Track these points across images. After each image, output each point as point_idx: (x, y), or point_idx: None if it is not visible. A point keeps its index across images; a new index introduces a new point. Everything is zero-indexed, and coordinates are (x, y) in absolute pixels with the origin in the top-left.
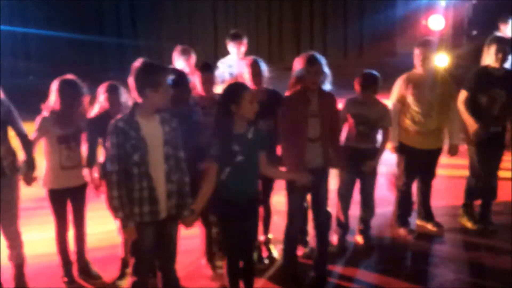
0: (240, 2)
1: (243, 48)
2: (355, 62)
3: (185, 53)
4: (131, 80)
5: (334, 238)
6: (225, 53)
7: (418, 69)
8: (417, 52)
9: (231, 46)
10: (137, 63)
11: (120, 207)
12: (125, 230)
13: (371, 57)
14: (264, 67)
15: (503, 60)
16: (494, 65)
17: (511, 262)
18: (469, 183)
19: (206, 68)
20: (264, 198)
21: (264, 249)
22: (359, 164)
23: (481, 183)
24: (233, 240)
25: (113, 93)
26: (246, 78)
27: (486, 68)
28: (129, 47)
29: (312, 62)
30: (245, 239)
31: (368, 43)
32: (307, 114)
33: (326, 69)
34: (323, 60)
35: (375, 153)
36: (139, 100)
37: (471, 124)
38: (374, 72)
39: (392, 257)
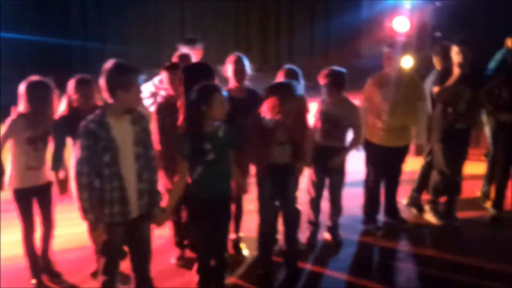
0: (207, 4)
1: (197, 56)
2: (321, 64)
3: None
4: (102, 81)
5: (305, 235)
6: None
7: (386, 70)
8: (384, 52)
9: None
10: (108, 63)
11: (90, 209)
12: (93, 232)
13: (337, 58)
14: (247, 64)
15: (464, 60)
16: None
17: (475, 257)
18: (435, 180)
19: (175, 68)
20: (237, 197)
21: (231, 247)
22: (326, 162)
23: (446, 180)
24: (205, 238)
25: (85, 86)
26: (229, 74)
27: (451, 67)
28: (95, 51)
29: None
30: (217, 237)
31: (334, 45)
32: (275, 127)
33: (302, 80)
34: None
35: (341, 151)
36: (110, 100)
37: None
38: (340, 69)
39: (360, 253)
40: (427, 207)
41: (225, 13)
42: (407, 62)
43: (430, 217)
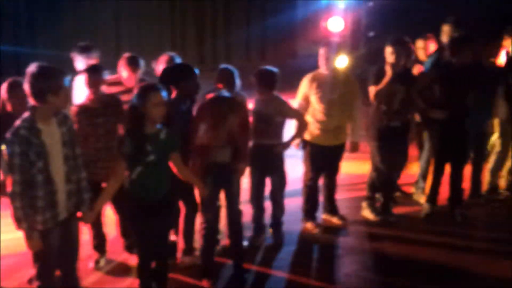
0: (142, 5)
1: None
2: (258, 64)
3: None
4: (27, 86)
5: (249, 235)
6: None
7: (322, 69)
8: (320, 52)
9: (79, 61)
10: (33, 67)
11: (24, 218)
12: (29, 241)
13: (273, 58)
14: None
15: (397, 59)
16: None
17: (411, 250)
18: (371, 177)
19: (94, 70)
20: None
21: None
22: (264, 160)
23: (382, 177)
24: (145, 240)
25: (17, 89)
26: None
27: (385, 65)
28: (27, 55)
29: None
30: (157, 239)
31: (270, 45)
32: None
33: (238, 80)
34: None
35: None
36: (38, 105)
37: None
38: (270, 68)
39: (300, 250)
40: (364, 204)
41: (161, 13)
42: (342, 61)
43: (367, 213)
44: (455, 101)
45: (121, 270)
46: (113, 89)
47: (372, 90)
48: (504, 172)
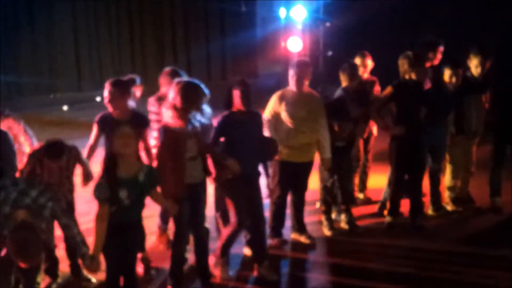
0: (100, 25)
1: None
2: (219, 83)
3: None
4: None
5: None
6: (88, 82)
7: (291, 88)
8: (291, 72)
9: None
10: None
11: None
12: None
13: (234, 77)
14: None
15: (351, 82)
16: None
17: (375, 261)
18: (322, 192)
19: None
20: None
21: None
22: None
23: (335, 191)
24: (114, 256)
25: None
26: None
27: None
28: None
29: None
30: (126, 256)
31: (231, 64)
32: (186, 137)
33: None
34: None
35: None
36: None
37: None
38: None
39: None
40: (322, 218)
41: (120, 33)
42: None
43: (325, 229)
44: (410, 117)
45: None
46: None
47: None
48: (460, 184)
